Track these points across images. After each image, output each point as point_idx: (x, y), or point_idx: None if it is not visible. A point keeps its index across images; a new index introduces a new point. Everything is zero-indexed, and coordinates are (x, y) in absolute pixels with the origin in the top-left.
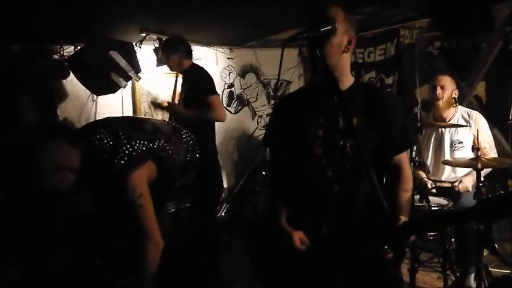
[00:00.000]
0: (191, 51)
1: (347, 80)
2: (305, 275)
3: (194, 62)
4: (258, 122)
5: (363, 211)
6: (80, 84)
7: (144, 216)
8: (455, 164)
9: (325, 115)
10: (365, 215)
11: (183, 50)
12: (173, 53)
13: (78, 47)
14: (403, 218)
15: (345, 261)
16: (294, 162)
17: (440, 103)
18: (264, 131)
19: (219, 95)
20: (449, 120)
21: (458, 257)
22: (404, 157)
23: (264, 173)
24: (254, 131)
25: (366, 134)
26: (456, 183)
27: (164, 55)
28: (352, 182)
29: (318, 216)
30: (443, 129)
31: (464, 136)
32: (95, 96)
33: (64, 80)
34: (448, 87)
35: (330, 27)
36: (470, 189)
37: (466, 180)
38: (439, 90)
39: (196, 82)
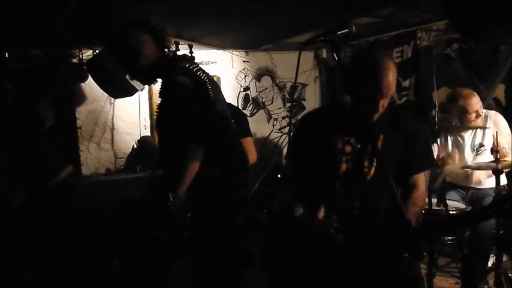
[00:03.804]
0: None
1: None
2: (323, 281)
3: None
4: (273, 125)
5: (384, 225)
6: (98, 87)
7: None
8: (474, 168)
9: (352, 133)
10: (385, 228)
11: None
12: None
13: (97, 51)
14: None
15: (362, 268)
16: (318, 177)
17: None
18: (279, 134)
19: (252, 135)
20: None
21: (470, 259)
22: (421, 176)
23: (279, 175)
24: (269, 134)
25: (391, 152)
26: (469, 175)
27: None
28: (374, 199)
29: (339, 227)
30: (463, 133)
31: (485, 138)
32: (112, 99)
33: (82, 83)
34: (478, 104)
35: (347, 30)
36: (483, 181)
37: (477, 173)
38: (472, 117)
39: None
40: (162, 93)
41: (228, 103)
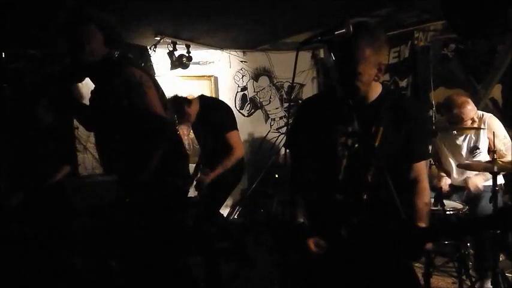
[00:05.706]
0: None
1: (374, 91)
2: (324, 278)
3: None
4: (271, 125)
5: (384, 219)
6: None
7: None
8: (470, 168)
9: (354, 125)
10: (386, 223)
11: (183, 103)
12: (181, 117)
13: None
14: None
15: (364, 265)
16: (318, 169)
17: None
18: (276, 134)
19: (238, 129)
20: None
21: (475, 262)
22: (423, 169)
23: (276, 175)
24: (267, 134)
25: (393, 144)
26: (466, 183)
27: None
28: (376, 191)
29: (339, 222)
30: (458, 136)
31: (480, 141)
32: None
33: (79, 83)
34: (473, 112)
35: (344, 30)
36: (481, 187)
37: (474, 178)
38: (468, 124)
39: (214, 119)
40: (109, 87)
41: (206, 96)
